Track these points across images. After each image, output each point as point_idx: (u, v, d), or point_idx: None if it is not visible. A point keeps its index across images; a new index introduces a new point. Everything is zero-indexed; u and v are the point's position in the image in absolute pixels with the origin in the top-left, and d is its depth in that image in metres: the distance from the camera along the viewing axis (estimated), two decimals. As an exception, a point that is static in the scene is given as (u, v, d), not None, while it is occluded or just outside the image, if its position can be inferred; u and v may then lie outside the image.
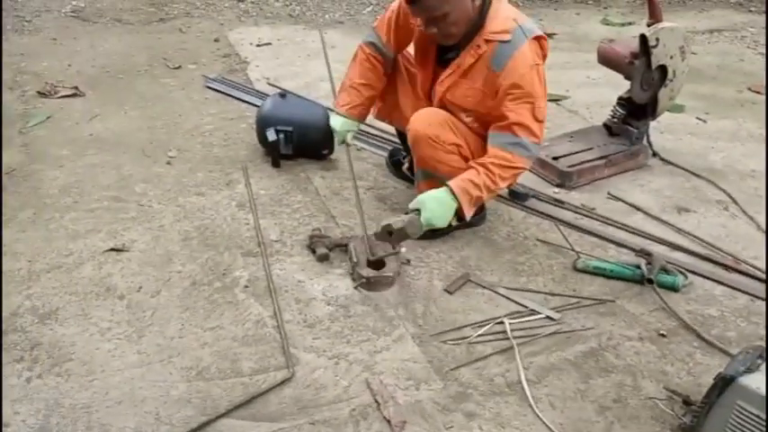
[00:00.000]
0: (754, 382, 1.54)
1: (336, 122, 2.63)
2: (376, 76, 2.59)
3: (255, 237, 2.50)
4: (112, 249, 2.36)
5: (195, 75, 4.06)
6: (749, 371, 1.56)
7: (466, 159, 2.33)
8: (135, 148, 3.13)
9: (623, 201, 2.88)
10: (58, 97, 3.58)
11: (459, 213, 2.23)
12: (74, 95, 3.62)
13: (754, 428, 1.52)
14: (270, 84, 3.97)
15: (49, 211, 2.58)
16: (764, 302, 2.29)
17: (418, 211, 2.18)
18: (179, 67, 4.14)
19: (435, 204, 2.18)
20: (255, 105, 3.61)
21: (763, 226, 2.75)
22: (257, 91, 3.86)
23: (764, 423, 1.50)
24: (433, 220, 2.17)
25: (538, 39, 2.22)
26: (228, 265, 2.34)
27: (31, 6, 5.05)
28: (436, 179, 2.34)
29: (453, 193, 2.19)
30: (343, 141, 2.66)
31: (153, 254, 2.37)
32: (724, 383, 1.57)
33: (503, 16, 2.22)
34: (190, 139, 3.26)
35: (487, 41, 2.20)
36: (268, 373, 1.87)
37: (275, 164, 2.98)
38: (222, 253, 2.40)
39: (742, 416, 1.54)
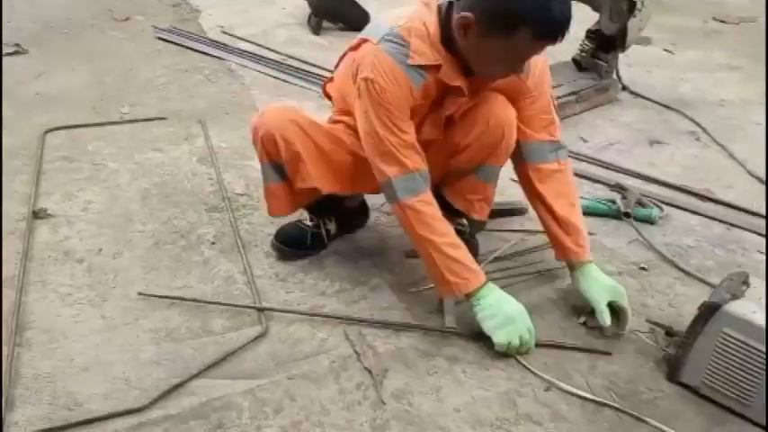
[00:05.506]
0: (740, 308, 1.51)
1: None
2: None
3: (219, 191, 2.39)
4: (68, 212, 2.24)
5: (145, 26, 3.84)
6: (734, 298, 1.53)
7: None
8: (85, 105, 2.95)
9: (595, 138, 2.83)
10: (-1, 56, 3.36)
11: None
12: (16, 53, 3.40)
13: (739, 355, 1.51)
14: (224, 32, 3.79)
15: (-3, 175, 2.42)
16: (740, 230, 2.29)
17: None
18: (127, 19, 3.92)
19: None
20: (211, 56, 3.45)
21: (735, 154, 2.74)
22: (211, 40, 3.68)
23: (750, 349, 1.49)
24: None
25: None
26: (192, 223, 2.23)
27: (-37, -40, 4.71)
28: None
29: None
30: None
31: (111, 214, 2.25)
32: (710, 312, 1.54)
33: None
34: (143, 93, 3.09)
35: None
36: (241, 330, 1.79)
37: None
38: (185, 210, 2.29)
39: (728, 343, 1.52)
